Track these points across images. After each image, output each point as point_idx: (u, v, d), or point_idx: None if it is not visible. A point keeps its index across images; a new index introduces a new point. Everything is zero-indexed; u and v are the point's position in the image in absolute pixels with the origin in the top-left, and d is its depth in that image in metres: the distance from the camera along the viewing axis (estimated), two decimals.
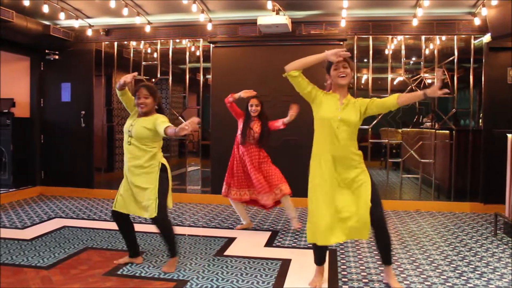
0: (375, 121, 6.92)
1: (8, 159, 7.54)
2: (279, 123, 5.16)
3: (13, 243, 4.79)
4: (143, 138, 3.89)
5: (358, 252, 4.58)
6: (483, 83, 6.55)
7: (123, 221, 4.12)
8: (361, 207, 3.40)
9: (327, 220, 3.37)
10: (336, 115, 3.40)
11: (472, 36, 6.64)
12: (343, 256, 4.43)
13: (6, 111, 7.63)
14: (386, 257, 3.59)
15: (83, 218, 6.08)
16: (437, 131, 6.96)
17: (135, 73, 4.08)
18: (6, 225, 5.63)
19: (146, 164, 3.91)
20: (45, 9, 6.30)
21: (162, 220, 3.95)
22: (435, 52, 6.86)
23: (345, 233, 3.44)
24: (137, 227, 5.49)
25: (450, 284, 3.66)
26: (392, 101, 3.43)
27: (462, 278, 3.80)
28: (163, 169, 4.00)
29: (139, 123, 3.91)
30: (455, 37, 6.71)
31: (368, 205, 3.38)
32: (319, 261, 3.69)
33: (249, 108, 5.23)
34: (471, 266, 4.12)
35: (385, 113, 3.42)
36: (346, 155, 3.43)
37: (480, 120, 6.83)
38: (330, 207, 3.39)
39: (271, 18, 6.33)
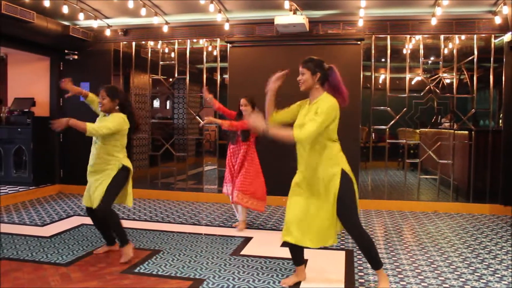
0: (392, 121, 6.86)
1: (28, 158, 7.66)
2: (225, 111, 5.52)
3: (33, 240, 4.87)
4: (103, 136, 4.14)
5: (393, 258, 4.54)
6: (503, 83, 6.44)
7: (91, 213, 4.38)
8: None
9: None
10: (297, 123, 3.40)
11: (493, 35, 6.54)
12: (360, 256, 4.40)
13: (27, 110, 7.76)
14: (370, 262, 3.50)
15: None
16: (456, 131, 6.88)
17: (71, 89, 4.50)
18: (26, 222, 5.72)
19: (104, 161, 4.22)
20: (65, 9, 6.39)
21: (102, 211, 4.12)
22: (454, 51, 6.77)
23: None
24: (153, 226, 5.56)
25: (468, 286, 3.61)
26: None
27: (482, 281, 3.74)
28: (124, 169, 4.25)
29: (100, 122, 4.25)
30: (475, 36, 6.62)
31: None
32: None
33: (240, 107, 5.34)
34: (490, 269, 4.06)
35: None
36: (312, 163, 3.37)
37: (500, 121, 6.72)
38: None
39: (289, 17, 6.32)
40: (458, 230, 5.53)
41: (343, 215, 3.36)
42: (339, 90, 3.39)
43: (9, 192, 7.17)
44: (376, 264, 3.45)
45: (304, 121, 3.28)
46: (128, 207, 6.48)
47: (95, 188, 4.21)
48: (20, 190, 7.36)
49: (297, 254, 3.66)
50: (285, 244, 3.63)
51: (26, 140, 7.66)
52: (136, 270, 3.97)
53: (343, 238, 5.04)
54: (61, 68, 7.97)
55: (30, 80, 8.13)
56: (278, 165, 6.56)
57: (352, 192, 3.35)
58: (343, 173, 3.32)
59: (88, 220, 5.80)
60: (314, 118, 3.20)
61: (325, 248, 4.69)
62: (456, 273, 3.94)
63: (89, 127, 3.96)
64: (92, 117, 7.22)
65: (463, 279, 3.77)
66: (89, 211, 4.39)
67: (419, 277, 3.83)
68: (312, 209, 3.37)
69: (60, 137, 7.98)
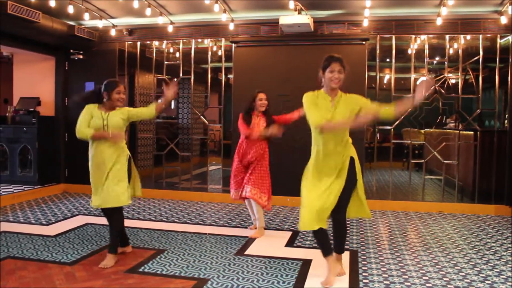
0: (397, 122, 6.85)
1: (34, 157, 7.69)
2: (294, 115, 5.03)
3: (38, 239, 4.89)
4: (121, 127, 4.16)
5: (379, 253, 4.54)
6: (509, 83, 6.41)
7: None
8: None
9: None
10: (326, 118, 3.46)
11: (498, 35, 6.51)
12: (364, 257, 4.40)
13: (32, 109, 7.79)
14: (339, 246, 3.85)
15: None
16: (461, 132, 6.86)
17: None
18: (31, 221, 5.74)
19: (120, 153, 4.15)
20: (70, 9, 6.41)
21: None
22: (460, 51, 6.75)
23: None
24: (157, 225, 5.56)
25: (474, 287, 3.60)
26: (377, 113, 3.51)
27: (487, 282, 3.73)
28: (130, 158, 4.27)
29: (113, 116, 4.12)
30: (481, 36, 6.59)
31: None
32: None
33: (258, 102, 5.07)
34: (495, 270, 4.04)
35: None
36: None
37: (506, 121, 6.69)
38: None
39: (293, 17, 6.31)
40: (463, 230, 5.51)
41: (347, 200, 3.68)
42: None
43: (15, 191, 7.20)
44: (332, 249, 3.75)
45: (341, 116, 3.47)
46: (133, 206, 6.50)
47: (113, 187, 4.07)
48: (26, 189, 7.39)
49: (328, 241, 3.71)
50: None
51: (31, 140, 7.69)
52: (140, 270, 3.98)
53: (348, 238, 5.03)
54: (67, 68, 8.00)
55: (36, 79, 8.17)
56: (283, 165, 6.57)
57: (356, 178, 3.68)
58: (353, 160, 3.63)
59: (93, 219, 5.85)
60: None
61: None
62: (461, 274, 3.92)
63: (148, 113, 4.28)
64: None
65: (468, 280, 3.76)
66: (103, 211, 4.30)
67: (424, 277, 3.82)
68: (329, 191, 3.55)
69: (65, 136, 8.01)
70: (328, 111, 3.49)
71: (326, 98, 3.54)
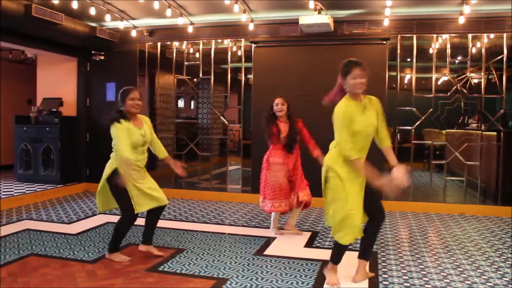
0: (418, 122, 6.77)
1: (56, 156, 7.82)
2: (310, 144, 4.96)
3: (60, 237, 4.97)
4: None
5: (399, 254, 4.49)
6: None
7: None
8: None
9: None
10: (364, 125, 3.47)
11: None
12: (384, 258, 4.36)
13: (55, 110, 7.93)
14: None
15: None
16: (483, 132, 6.74)
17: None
18: (54, 220, 5.84)
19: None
20: (92, 11, 6.49)
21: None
22: (483, 50, 6.64)
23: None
24: (177, 225, 5.60)
25: None
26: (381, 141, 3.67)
27: (510, 286, 3.66)
28: None
29: (147, 130, 4.28)
30: (504, 34, 6.47)
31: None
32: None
33: (274, 107, 4.98)
34: None
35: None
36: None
37: None
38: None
39: (313, 17, 6.29)
40: (486, 233, 5.42)
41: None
42: None
43: (38, 190, 7.33)
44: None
45: (372, 119, 3.53)
46: None
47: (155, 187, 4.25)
48: (48, 188, 7.52)
49: None
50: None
51: (54, 139, 7.82)
52: (160, 269, 4.01)
53: None
54: (88, 69, 8.12)
55: (58, 80, 8.31)
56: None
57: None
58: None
59: (113, 219, 5.91)
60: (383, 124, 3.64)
61: (349, 249, 4.66)
62: (483, 277, 3.86)
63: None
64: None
65: (491, 284, 3.69)
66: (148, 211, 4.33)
67: (445, 280, 3.77)
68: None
69: (86, 136, 8.13)
70: (360, 116, 3.46)
71: (357, 104, 3.49)
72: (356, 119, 3.42)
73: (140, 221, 4.35)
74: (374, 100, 3.59)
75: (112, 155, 4.20)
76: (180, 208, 6.71)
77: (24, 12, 5.90)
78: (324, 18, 6.25)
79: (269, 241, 4.98)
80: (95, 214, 6.18)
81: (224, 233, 5.33)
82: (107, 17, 6.82)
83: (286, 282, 3.71)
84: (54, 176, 7.85)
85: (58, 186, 7.69)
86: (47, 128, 7.88)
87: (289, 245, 4.84)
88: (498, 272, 3.98)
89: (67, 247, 4.60)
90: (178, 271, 3.95)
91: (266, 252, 4.56)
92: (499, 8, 6.18)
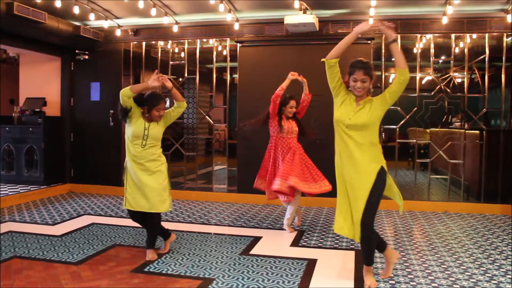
0: (403, 121, 6.83)
1: (40, 157, 7.73)
2: (303, 100, 5.29)
3: (44, 239, 4.91)
4: (159, 138, 4.33)
5: (403, 259, 4.53)
6: None
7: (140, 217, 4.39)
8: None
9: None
10: (346, 119, 3.47)
11: (505, 34, 6.47)
12: None
13: (38, 110, 7.83)
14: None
15: (111, 216, 6.18)
16: (466, 131, 6.83)
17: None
18: (37, 221, 5.77)
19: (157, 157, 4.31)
20: (76, 10, 6.42)
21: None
22: (465, 50, 6.72)
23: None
24: (163, 225, 5.56)
25: (479, 287, 3.58)
26: (397, 77, 3.51)
27: (493, 282, 3.71)
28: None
29: (154, 127, 4.25)
30: (487, 35, 6.56)
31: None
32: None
33: (288, 109, 5.22)
34: (502, 269, 4.02)
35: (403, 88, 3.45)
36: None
37: None
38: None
39: (298, 17, 6.31)
40: (469, 230, 5.49)
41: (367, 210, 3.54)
42: None
43: (21, 191, 7.24)
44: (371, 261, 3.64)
45: (360, 119, 3.44)
46: None
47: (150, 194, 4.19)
48: (32, 189, 7.43)
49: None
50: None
51: (37, 140, 7.73)
52: (146, 269, 3.99)
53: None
54: (72, 68, 8.03)
55: (42, 80, 8.21)
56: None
57: (381, 191, 3.59)
58: (382, 170, 3.52)
59: (98, 219, 5.86)
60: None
61: (335, 248, 4.70)
62: (466, 273, 3.91)
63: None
64: (102, 117, 7.27)
65: (474, 280, 3.74)
66: (137, 215, 4.35)
67: (430, 277, 3.81)
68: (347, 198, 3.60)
69: (71, 136, 8.04)
70: (352, 111, 3.48)
71: (352, 98, 3.54)
72: (342, 107, 3.51)
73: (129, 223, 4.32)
74: (376, 100, 3.53)
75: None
76: None
77: (6, 10, 5.81)
78: (309, 18, 6.27)
79: (255, 240, 4.98)
80: (80, 215, 6.13)
81: (210, 233, 5.32)
82: (91, 16, 6.76)
83: (272, 281, 3.71)
84: (37, 177, 7.75)
85: (42, 187, 7.60)
86: (30, 129, 7.78)
87: (275, 244, 4.85)
88: (481, 269, 4.03)
89: (51, 249, 4.55)
90: (164, 272, 3.93)
91: (252, 251, 4.57)
92: (481, 8, 6.27)
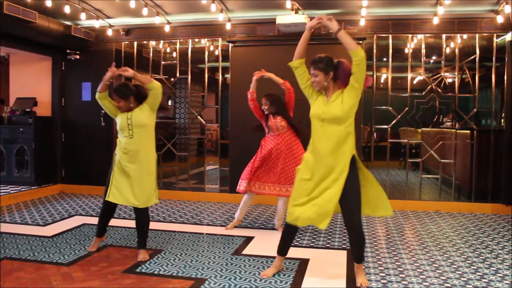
0: (394, 121, 6.86)
1: (30, 157, 7.67)
2: (285, 90, 5.23)
3: (34, 240, 4.88)
4: (147, 124, 4.31)
5: (376, 252, 4.55)
6: (505, 82, 6.42)
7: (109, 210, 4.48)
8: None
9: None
10: (320, 113, 3.50)
11: (495, 34, 6.53)
12: None
13: (29, 110, 7.77)
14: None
15: None
16: (457, 131, 6.87)
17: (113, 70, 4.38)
18: (28, 222, 5.73)
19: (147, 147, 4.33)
20: (67, 9, 6.39)
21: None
22: (456, 50, 6.76)
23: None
24: (155, 225, 5.55)
25: (471, 286, 3.61)
26: (352, 60, 3.53)
27: (483, 280, 3.74)
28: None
29: (136, 115, 4.26)
30: (477, 35, 6.61)
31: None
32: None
33: (264, 107, 5.26)
34: (492, 268, 4.05)
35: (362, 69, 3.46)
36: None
37: (502, 120, 6.71)
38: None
39: (290, 17, 6.31)
40: (460, 229, 5.53)
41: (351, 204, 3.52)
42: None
43: (11, 191, 7.18)
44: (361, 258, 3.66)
45: (333, 111, 3.46)
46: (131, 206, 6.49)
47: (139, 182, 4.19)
48: (22, 189, 7.37)
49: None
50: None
51: (28, 140, 7.66)
52: (137, 270, 3.97)
53: (345, 237, 5.05)
54: (63, 68, 7.98)
55: (32, 80, 8.15)
56: None
57: (358, 183, 3.53)
58: (354, 159, 3.49)
59: (90, 220, 5.83)
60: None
61: (327, 247, 4.71)
62: (458, 272, 3.93)
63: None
64: (94, 117, 7.25)
65: (465, 279, 3.77)
66: (111, 206, 4.40)
67: (421, 276, 3.83)
68: (319, 190, 3.52)
69: (62, 136, 8.00)
70: (323, 105, 3.53)
71: (323, 94, 3.60)
72: (315, 103, 3.58)
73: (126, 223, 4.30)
74: (343, 91, 3.54)
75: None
76: (158, 209, 6.66)
77: None
78: (301, 18, 6.28)
79: (247, 240, 4.98)
80: (71, 216, 6.09)
81: (202, 233, 5.31)
82: (82, 15, 6.73)
83: (264, 281, 3.71)
84: (28, 178, 7.69)
85: (32, 187, 7.54)
86: (21, 129, 7.71)
87: (268, 244, 4.85)
88: (472, 267, 4.06)
89: (42, 250, 4.51)
90: (156, 272, 3.92)
91: (245, 251, 4.56)
92: (472, 9, 6.32)
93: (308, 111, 3.63)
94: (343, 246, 4.78)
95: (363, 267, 3.72)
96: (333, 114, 3.45)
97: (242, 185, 5.22)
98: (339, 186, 3.42)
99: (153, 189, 4.27)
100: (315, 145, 3.55)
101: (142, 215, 4.29)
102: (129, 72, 4.24)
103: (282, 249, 3.85)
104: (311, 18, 6.54)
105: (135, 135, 4.18)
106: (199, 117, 7.68)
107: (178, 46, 7.63)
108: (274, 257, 4.31)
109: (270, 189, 5.14)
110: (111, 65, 4.35)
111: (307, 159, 3.63)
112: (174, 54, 7.73)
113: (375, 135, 7.04)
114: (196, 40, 7.58)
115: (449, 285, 3.63)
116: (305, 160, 3.66)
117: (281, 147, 5.13)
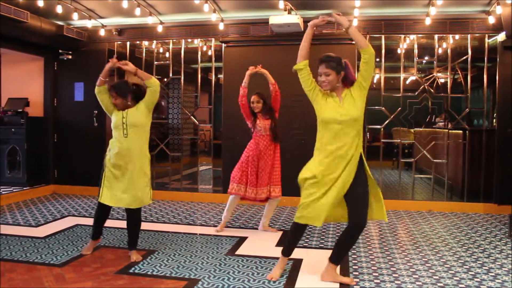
0: (387, 121, 6.88)
1: (22, 158, 7.63)
2: (271, 91, 5.22)
3: (27, 241, 4.84)
4: (143, 122, 4.25)
5: (369, 252, 4.56)
6: (497, 82, 6.47)
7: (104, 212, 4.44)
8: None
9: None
10: (337, 116, 3.45)
11: (486, 35, 6.57)
12: (355, 256, 4.41)
13: (21, 110, 7.72)
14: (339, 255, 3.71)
15: None
16: (450, 131, 6.90)
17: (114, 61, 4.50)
18: (20, 223, 5.69)
19: (141, 151, 4.26)
20: (59, 9, 6.36)
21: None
22: (448, 51, 6.80)
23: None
24: (148, 226, 5.53)
25: (463, 285, 3.62)
26: (361, 57, 3.49)
27: (476, 279, 3.76)
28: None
29: (131, 114, 4.21)
30: (469, 36, 6.64)
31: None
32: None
33: (251, 105, 5.19)
34: (484, 267, 4.08)
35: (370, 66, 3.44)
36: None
37: (494, 120, 6.76)
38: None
39: (283, 17, 6.32)
40: (453, 229, 5.56)
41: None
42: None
43: (3, 192, 7.13)
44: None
45: (350, 111, 3.45)
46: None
47: (132, 184, 4.16)
48: (14, 190, 7.33)
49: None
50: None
51: (20, 140, 7.62)
52: (131, 271, 3.96)
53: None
54: (55, 68, 7.94)
55: (24, 80, 8.10)
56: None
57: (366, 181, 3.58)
58: (361, 157, 3.55)
59: (82, 221, 5.81)
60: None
61: (320, 247, 4.72)
62: (450, 272, 3.95)
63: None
64: (86, 118, 7.20)
65: (457, 278, 3.79)
66: (106, 208, 4.36)
67: (414, 276, 3.84)
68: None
69: (54, 137, 7.95)
70: (338, 107, 3.47)
71: (333, 96, 3.53)
72: (327, 107, 3.49)
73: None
74: (354, 87, 3.53)
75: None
76: (151, 209, 6.64)
77: None
78: (294, 18, 6.28)
79: (240, 241, 4.97)
80: (64, 217, 6.06)
81: (196, 234, 5.30)
82: (75, 15, 6.69)
83: (258, 281, 3.71)
84: (20, 178, 7.64)
85: (25, 188, 7.49)
86: (13, 129, 7.66)
87: (261, 244, 4.85)
88: (464, 267, 4.08)
89: (34, 251, 4.49)
90: (149, 273, 3.91)
91: (238, 252, 4.56)
92: (464, 10, 6.35)
93: (308, 111, 3.61)
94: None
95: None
96: (352, 115, 3.44)
97: (233, 188, 5.21)
98: (347, 185, 3.48)
99: (146, 190, 4.24)
100: (330, 149, 3.46)
101: (133, 216, 4.27)
102: (130, 66, 4.23)
103: (289, 250, 3.83)
104: (304, 19, 6.62)
105: (130, 134, 4.15)
106: (192, 117, 7.66)
107: (171, 46, 7.62)
108: (267, 257, 4.33)
109: (264, 193, 5.15)
110: (112, 57, 4.33)
111: (314, 174, 3.51)
112: (167, 54, 7.71)
113: (368, 135, 7.05)
114: (189, 40, 7.57)
115: (441, 284, 3.64)
116: (311, 178, 3.52)
117: (271, 147, 5.15)
